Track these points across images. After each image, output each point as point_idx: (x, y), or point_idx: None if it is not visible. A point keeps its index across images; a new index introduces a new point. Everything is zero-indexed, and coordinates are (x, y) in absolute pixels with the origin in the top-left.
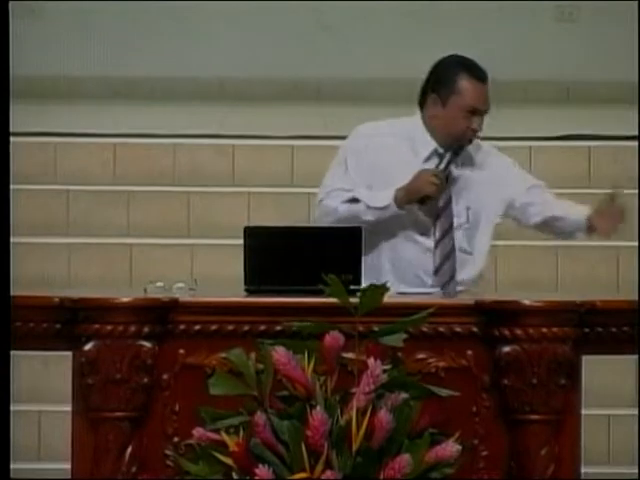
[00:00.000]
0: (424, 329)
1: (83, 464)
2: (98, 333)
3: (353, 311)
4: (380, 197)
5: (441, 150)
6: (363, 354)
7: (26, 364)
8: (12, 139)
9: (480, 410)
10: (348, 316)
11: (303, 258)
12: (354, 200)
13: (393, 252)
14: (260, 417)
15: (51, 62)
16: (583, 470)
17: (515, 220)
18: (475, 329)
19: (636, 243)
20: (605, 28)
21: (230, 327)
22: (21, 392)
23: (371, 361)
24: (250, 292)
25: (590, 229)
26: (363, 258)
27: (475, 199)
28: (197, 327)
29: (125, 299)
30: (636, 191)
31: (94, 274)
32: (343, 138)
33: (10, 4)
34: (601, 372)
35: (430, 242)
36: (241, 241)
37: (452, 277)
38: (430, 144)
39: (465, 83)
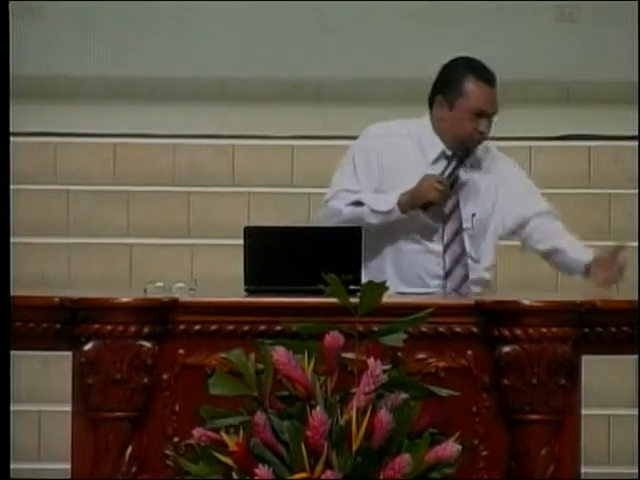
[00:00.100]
0: (424, 329)
1: (83, 464)
2: (98, 333)
3: (353, 311)
4: (384, 201)
5: (449, 152)
6: (363, 354)
7: (26, 364)
8: (12, 139)
9: (480, 410)
10: (348, 316)
11: (303, 258)
12: (359, 203)
13: (396, 254)
14: (260, 417)
15: (51, 62)
16: (583, 470)
17: (521, 241)
18: (475, 329)
19: (636, 243)
20: (605, 28)
21: (230, 327)
22: (21, 392)
23: (371, 361)
24: (250, 292)
25: (587, 274)
26: (367, 263)
27: (482, 206)
28: (197, 327)
29: (125, 299)
30: (636, 191)
31: (94, 274)
32: (343, 138)
33: (10, 4)
34: (601, 372)
35: (434, 245)
36: (241, 241)
37: (465, 279)
38: (438, 146)
39: (471, 85)
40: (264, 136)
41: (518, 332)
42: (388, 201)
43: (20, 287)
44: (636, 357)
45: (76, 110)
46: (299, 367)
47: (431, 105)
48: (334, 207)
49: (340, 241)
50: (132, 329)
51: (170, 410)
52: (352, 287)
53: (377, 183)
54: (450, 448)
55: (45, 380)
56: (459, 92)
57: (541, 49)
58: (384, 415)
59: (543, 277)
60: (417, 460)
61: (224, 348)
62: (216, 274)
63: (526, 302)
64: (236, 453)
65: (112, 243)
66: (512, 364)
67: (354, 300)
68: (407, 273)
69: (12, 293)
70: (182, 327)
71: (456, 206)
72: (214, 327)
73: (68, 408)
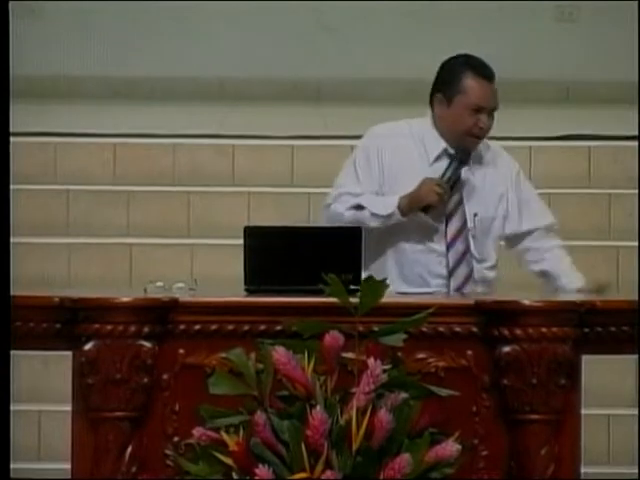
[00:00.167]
0: (424, 329)
1: (83, 464)
2: (98, 333)
3: (353, 311)
4: (384, 204)
5: (451, 150)
6: (363, 354)
7: (26, 364)
8: (12, 139)
9: (480, 410)
10: (348, 316)
11: (303, 258)
12: (360, 207)
13: (399, 255)
14: (260, 417)
15: (51, 62)
16: (583, 470)
17: (515, 253)
18: (475, 329)
19: (636, 243)
20: (605, 28)
21: (230, 327)
22: (21, 392)
23: (371, 361)
24: (250, 292)
25: None
26: (370, 265)
27: (484, 206)
28: (197, 327)
29: (125, 299)
30: (636, 191)
31: (94, 274)
32: (343, 138)
33: (10, 4)
34: (601, 372)
35: (436, 244)
36: (241, 241)
37: (468, 278)
38: (440, 144)
39: (469, 81)
40: (264, 136)
41: (518, 332)
42: (388, 204)
43: (20, 287)
44: (636, 357)
45: (76, 110)
46: (299, 367)
47: (432, 104)
48: (336, 211)
49: (340, 241)
50: (132, 329)
51: (170, 410)
52: (352, 287)
53: (378, 185)
54: (450, 448)
55: (45, 380)
56: (457, 89)
57: (541, 49)
58: (384, 415)
59: None
60: (417, 460)
61: (224, 348)
62: (216, 274)
63: (526, 302)
64: (236, 453)
65: (112, 243)
66: (512, 364)
67: (354, 300)
68: (410, 273)
69: (12, 293)
70: (182, 327)
71: (459, 204)
72: (214, 327)
73: (68, 408)
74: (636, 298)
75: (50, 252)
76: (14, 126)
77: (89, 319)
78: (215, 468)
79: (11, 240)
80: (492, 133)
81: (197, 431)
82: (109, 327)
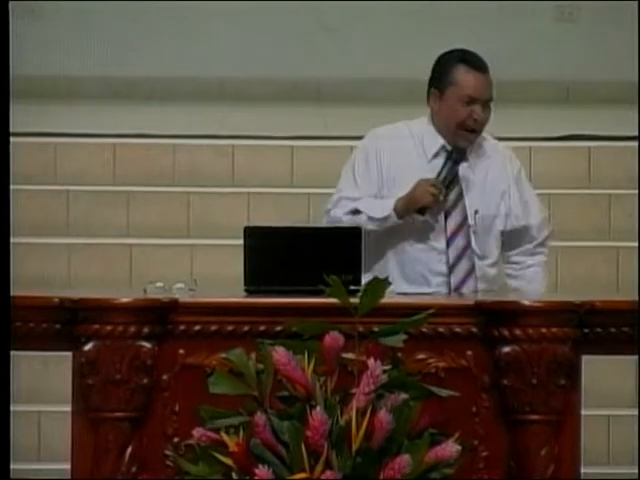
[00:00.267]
0: (424, 329)
1: (83, 464)
2: (98, 333)
3: (353, 311)
4: (381, 207)
5: (449, 147)
6: (363, 354)
7: (26, 364)
8: (12, 139)
9: (480, 410)
10: (348, 316)
11: (303, 258)
12: (357, 211)
13: (400, 254)
14: (260, 417)
15: (51, 62)
16: (583, 470)
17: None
18: (475, 329)
19: (636, 243)
20: (605, 28)
21: (230, 327)
22: (21, 392)
23: (371, 361)
24: (250, 292)
25: None
26: (372, 266)
27: (485, 204)
28: (197, 327)
29: (125, 299)
30: (636, 191)
31: (94, 274)
32: (343, 138)
33: (10, 4)
34: (601, 372)
35: (436, 242)
36: (241, 241)
37: (470, 273)
38: (438, 141)
39: (460, 73)
40: (264, 136)
41: (518, 332)
42: (384, 207)
43: (20, 287)
44: (636, 357)
45: (76, 110)
46: (299, 367)
47: (428, 100)
48: (335, 216)
49: (340, 241)
50: (132, 329)
51: (170, 410)
52: (352, 287)
53: (377, 187)
54: (450, 448)
55: (45, 380)
56: (449, 81)
57: (541, 49)
58: (384, 415)
59: None
60: (417, 460)
61: (224, 348)
62: (216, 274)
63: (526, 302)
64: (236, 453)
65: (112, 243)
66: (512, 364)
67: (354, 300)
68: (411, 272)
69: (12, 293)
70: (182, 327)
71: (458, 199)
72: (214, 327)
73: (68, 408)
74: (636, 298)
75: (50, 252)
76: (14, 126)
77: (89, 319)
78: (215, 469)
79: (11, 240)
80: (492, 133)
81: (197, 432)
82: (109, 327)
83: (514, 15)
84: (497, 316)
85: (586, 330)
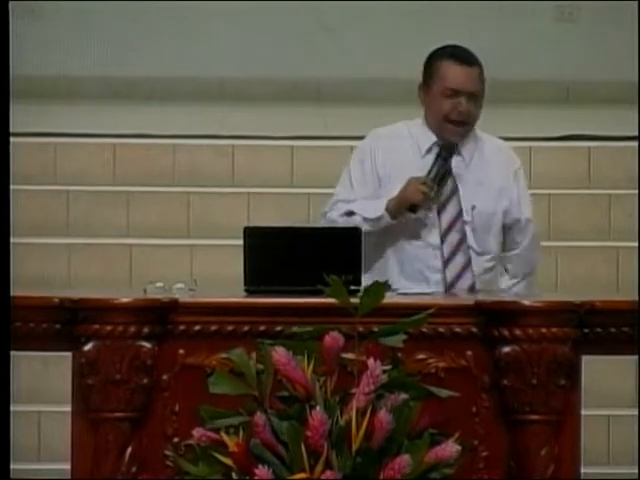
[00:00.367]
0: (424, 330)
1: (83, 464)
2: (98, 333)
3: (353, 312)
4: (374, 208)
5: (441, 142)
6: (363, 355)
7: (26, 364)
8: (12, 139)
9: (480, 410)
10: (348, 317)
11: (303, 258)
12: (352, 213)
13: (399, 252)
14: (260, 417)
15: (51, 62)
16: (583, 470)
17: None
18: (475, 329)
19: (636, 243)
20: (605, 28)
21: (230, 327)
22: (21, 392)
23: (371, 362)
24: (250, 292)
25: None
26: (372, 265)
27: (483, 201)
28: (197, 327)
29: (125, 299)
30: (636, 191)
31: (94, 274)
32: (343, 138)
33: (10, 4)
34: (601, 372)
35: (431, 239)
36: (241, 241)
37: (465, 267)
38: (431, 137)
39: (444, 66)
40: (264, 136)
41: (518, 332)
42: (377, 208)
43: (20, 287)
44: (636, 357)
45: (76, 110)
46: (299, 368)
47: (419, 97)
48: (331, 218)
49: (340, 241)
50: (132, 329)
51: (170, 410)
52: (352, 287)
53: (373, 187)
54: (450, 448)
55: (45, 380)
56: (433, 74)
57: (541, 49)
58: (384, 415)
59: (543, 277)
60: (417, 460)
61: (224, 348)
62: (216, 274)
63: (526, 302)
64: (236, 453)
65: (112, 243)
66: (512, 364)
67: (354, 300)
68: (410, 270)
69: (12, 293)
70: (182, 327)
71: (452, 194)
72: (214, 327)
73: (68, 408)
74: (636, 298)
75: (50, 252)
76: (14, 126)
77: (89, 320)
78: (215, 469)
79: (11, 240)
80: (492, 133)
81: (197, 432)
82: (109, 328)
83: (514, 15)
84: (497, 316)
85: (586, 330)
